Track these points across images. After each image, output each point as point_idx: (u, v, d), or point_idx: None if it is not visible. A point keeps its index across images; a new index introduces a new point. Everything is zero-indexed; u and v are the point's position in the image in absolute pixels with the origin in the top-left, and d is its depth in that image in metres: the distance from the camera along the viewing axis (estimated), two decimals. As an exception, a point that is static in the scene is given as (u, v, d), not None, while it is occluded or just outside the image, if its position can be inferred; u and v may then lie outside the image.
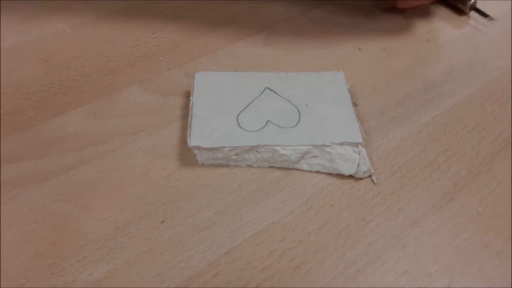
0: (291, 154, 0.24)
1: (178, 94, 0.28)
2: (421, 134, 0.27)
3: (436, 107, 0.28)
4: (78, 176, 0.23)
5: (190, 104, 0.26)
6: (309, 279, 0.20)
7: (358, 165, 0.24)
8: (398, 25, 0.35)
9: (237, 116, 0.25)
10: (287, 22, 0.35)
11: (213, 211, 0.22)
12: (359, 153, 0.24)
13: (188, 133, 0.24)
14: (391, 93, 0.29)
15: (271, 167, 0.24)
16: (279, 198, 0.23)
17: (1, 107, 0.27)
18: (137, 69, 0.30)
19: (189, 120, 0.25)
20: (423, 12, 0.37)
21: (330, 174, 0.24)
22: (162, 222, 0.21)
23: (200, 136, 0.24)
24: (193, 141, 0.23)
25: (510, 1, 0.39)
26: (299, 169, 0.24)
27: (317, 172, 0.24)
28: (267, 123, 0.25)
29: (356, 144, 0.24)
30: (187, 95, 0.28)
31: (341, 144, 0.24)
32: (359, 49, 0.33)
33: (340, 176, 0.24)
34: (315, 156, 0.24)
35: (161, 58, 0.31)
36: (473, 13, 0.37)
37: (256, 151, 0.24)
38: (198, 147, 0.23)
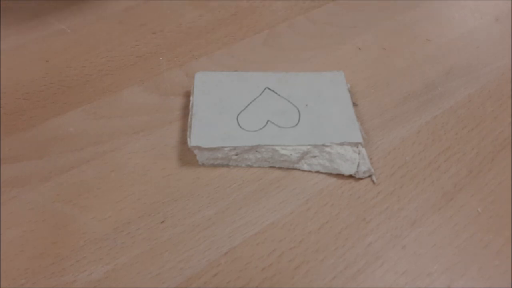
0: (291, 154, 0.24)
1: (178, 94, 0.28)
2: (421, 134, 0.27)
3: (436, 107, 0.28)
4: (78, 176, 0.23)
5: (190, 104, 0.26)
6: (309, 279, 0.20)
7: (358, 165, 0.24)
8: (398, 25, 0.35)
9: (237, 116, 0.25)
10: (287, 22, 0.35)
11: (213, 211, 0.22)
12: (359, 153, 0.24)
13: (188, 133, 0.24)
14: (391, 93, 0.29)
15: (271, 167, 0.24)
16: (279, 198, 0.23)
17: (1, 107, 0.27)
18: (137, 69, 0.30)
19: (189, 120, 0.25)
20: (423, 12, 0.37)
21: (330, 174, 0.24)
22: (162, 222, 0.21)
23: (200, 136, 0.24)
24: (193, 141, 0.23)
25: (510, 1, 0.39)
26: (299, 169, 0.24)
27: (317, 172, 0.24)
28: (267, 123, 0.25)
29: (356, 144, 0.24)
30: (187, 95, 0.28)
31: (341, 144, 0.24)
32: (359, 49, 0.33)
33: (340, 176, 0.24)
34: (315, 156, 0.24)
35: (161, 58, 0.31)
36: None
37: (256, 151, 0.24)
38: (198, 147, 0.23)
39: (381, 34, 0.34)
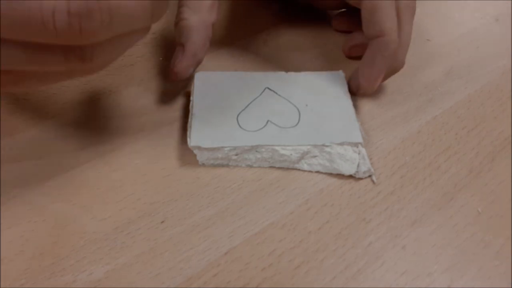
0: (291, 154, 0.24)
1: (178, 94, 0.28)
2: (421, 134, 0.27)
3: (436, 107, 0.28)
4: (78, 176, 0.23)
5: (190, 104, 0.26)
6: (309, 279, 0.20)
7: (358, 165, 0.24)
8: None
9: (237, 116, 0.25)
10: (287, 22, 0.35)
11: (213, 211, 0.22)
12: (359, 153, 0.24)
13: (188, 133, 0.24)
14: (391, 93, 0.29)
15: (271, 167, 0.24)
16: (279, 198, 0.23)
17: (1, 107, 0.27)
18: (137, 69, 0.30)
19: (189, 120, 0.25)
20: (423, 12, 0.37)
21: (330, 174, 0.24)
22: (162, 222, 0.21)
23: (200, 136, 0.24)
24: (193, 141, 0.23)
25: (510, 1, 0.39)
26: (299, 169, 0.24)
27: (317, 172, 0.24)
28: (267, 123, 0.25)
29: (356, 144, 0.24)
30: (187, 95, 0.28)
31: (341, 144, 0.24)
32: (359, 49, 0.33)
33: (340, 176, 0.24)
34: (315, 156, 0.24)
35: (161, 58, 0.31)
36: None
37: (256, 151, 0.24)
38: (198, 147, 0.23)
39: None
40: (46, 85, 0.21)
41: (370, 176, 0.24)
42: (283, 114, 0.26)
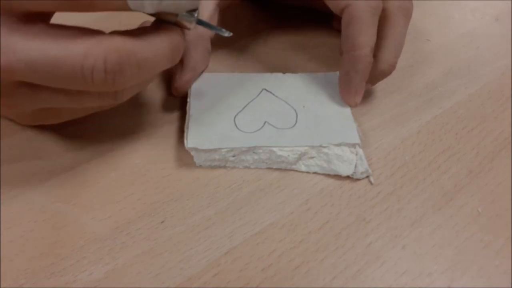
0: (288, 155, 0.24)
1: (178, 94, 0.28)
2: (421, 134, 0.27)
3: (436, 107, 0.28)
4: (78, 176, 0.23)
5: (187, 106, 0.26)
6: (309, 279, 0.20)
7: (355, 166, 0.23)
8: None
9: (234, 118, 0.25)
10: (287, 22, 0.35)
11: (213, 211, 0.22)
12: (356, 154, 0.24)
13: (185, 134, 0.24)
14: (391, 93, 0.29)
15: (268, 168, 0.24)
16: (279, 198, 0.23)
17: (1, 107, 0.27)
18: (137, 69, 0.30)
19: (186, 121, 0.25)
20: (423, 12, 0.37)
21: (329, 174, 0.24)
22: (162, 222, 0.21)
23: (197, 138, 0.23)
24: (189, 143, 0.23)
25: (510, 1, 0.39)
26: (297, 170, 0.24)
27: (315, 173, 0.24)
28: (264, 124, 0.25)
29: (353, 145, 0.24)
30: (187, 95, 0.28)
31: (339, 145, 0.24)
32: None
33: (340, 176, 0.24)
34: (312, 157, 0.24)
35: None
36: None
37: (254, 152, 0.24)
38: (195, 149, 0.23)
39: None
40: (77, 117, 0.23)
41: (367, 177, 0.24)
42: (280, 115, 0.26)
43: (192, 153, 0.23)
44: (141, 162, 0.24)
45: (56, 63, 0.17)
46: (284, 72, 0.29)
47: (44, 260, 0.20)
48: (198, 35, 0.26)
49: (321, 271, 0.20)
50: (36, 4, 0.17)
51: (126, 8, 0.18)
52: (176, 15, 0.19)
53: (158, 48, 0.19)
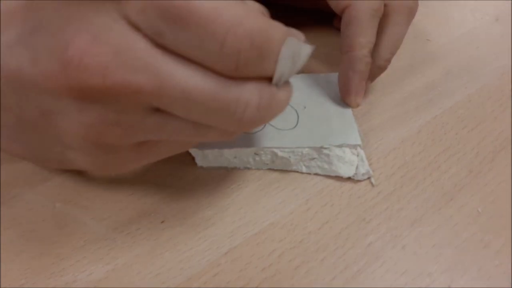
0: (289, 157, 0.24)
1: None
2: (421, 134, 0.27)
3: (436, 107, 0.28)
4: (78, 176, 0.23)
5: None
6: (309, 279, 0.20)
7: (356, 167, 0.23)
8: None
9: None
10: (287, 23, 0.35)
11: (213, 211, 0.22)
12: (357, 155, 0.24)
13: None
14: (391, 93, 0.29)
15: (269, 169, 0.24)
16: (279, 198, 0.23)
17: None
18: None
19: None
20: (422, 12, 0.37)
21: (330, 175, 0.24)
22: (162, 222, 0.21)
23: None
24: None
25: (510, 1, 0.39)
26: (298, 171, 0.24)
27: (316, 174, 0.24)
28: (265, 125, 0.25)
29: (354, 146, 0.24)
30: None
31: (340, 146, 0.24)
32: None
33: (340, 176, 0.24)
34: (313, 158, 0.24)
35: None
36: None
37: (255, 153, 0.24)
38: (196, 150, 0.23)
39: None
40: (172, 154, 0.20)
41: (368, 178, 0.24)
42: (281, 116, 0.25)
43: (193, 153, 0.23)
44: (141, 162, 0.24)
45: (211, 97, 0.15)
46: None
47: (44, 260, 0.20)
48: None
49: (321, 271, 0.20)
50: None
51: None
52: None
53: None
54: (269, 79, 0.16)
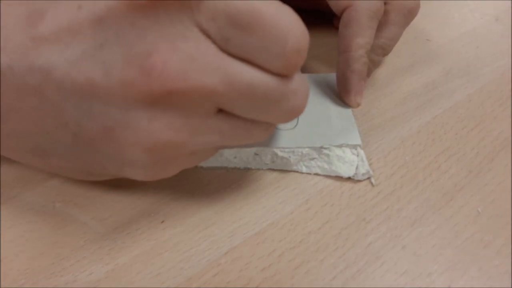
0: (289, 157, 0.24)
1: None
2: (421, 134, 0.27)
3: (436, 107, 0.28)
4: (78, 176, 0.23)
5: None
6: (309, 279, 0.20)
7: (356, 167, 0.23)
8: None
9: None
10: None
11: (213, 211, 0.22)
12: (357, 155, 0.24)
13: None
14: (391, 93, 0.29)
15: (269, 169, 0.24)
16: (279, 198, 0.23)
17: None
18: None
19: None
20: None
21: (330, 175, 0.24)
22: (162, 222, 0.21)
23: None
24: None
25: (510, 1, 0.39)
26: (298, 171, 0.24)
27: (316, 174, 0.24)
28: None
29: (354, 146, 0.24)
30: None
31: (340, 146, 0.24)
32: (359, 49, 0.33)
33: (340, 176, 0.24)
34: (313, 159, 0.24)
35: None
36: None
37: (255, 153, 0.24)
38: None
39: (381, 34, 0.34)
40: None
41: (368, 178, 0.24)
42: None
43: (193, 153, 0.23)
44: (141, 162, 0.24)
45: (272, 91, 0.17)
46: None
47: (44, 260, 0.20)
48: None
49: (321, 271, 0.20)
50: None
51: None
52: None
53: None
54: None
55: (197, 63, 0.15)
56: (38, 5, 0.16)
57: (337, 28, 0.33)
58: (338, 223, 0.22)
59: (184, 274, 0.20)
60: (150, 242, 0.21)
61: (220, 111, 0.17)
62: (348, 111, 0.26)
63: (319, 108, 0.26)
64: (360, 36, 0.26)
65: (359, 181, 0.24)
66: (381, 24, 0.27)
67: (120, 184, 0.23)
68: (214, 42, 0.16)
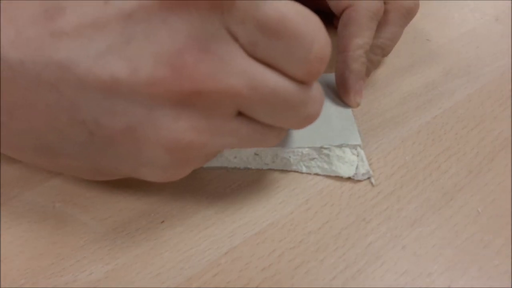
0: (289, 157, 0.24)
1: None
2: (421, 134, 0.27)
3: (436, 107, 0.28)
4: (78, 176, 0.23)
5: None
6: (309, 279, 0.20)
7: (356, 167, 0.23)
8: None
9: None
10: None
11: (213, 211, 0.22)
12: (357, 155, 0.24)
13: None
14: (391, 93, 0.29)
15: (269, 169, 0.24)
16: (279, 198, 0.23)
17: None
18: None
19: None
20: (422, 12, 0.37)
21: (330, 175, 0.24)
22: (162, 222, 0.21)
23: None
24: None
25: (510, 1, 0.39)
26: (297, 171, 0.24)
27: (316, 174, 0.24)
28: None
29: (354, 146, 0.24)
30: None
31: (340, 146, 0.24)
32: (359, 49, 0.33)
33: (340, 176, 0.24)
34: (313, 159, 0.24)
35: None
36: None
37: (255, 153, 0.24)
38: None
39: (381, 34, 0.34)
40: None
41: (368, 178, 0.24)
42: None
43: (193, 153, 0.23)
44: (141, 162, 0.24)
45: (293, 96, 0.17)
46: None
47: (44, 260, 0.20)
48: None
49: (321, 271, 0.20)
50: None
51: None
52: None
53: None
54: None
55: (225, 65, 0.15)
56: (55, 1, 0.15)
57: (337, 28, 0.33)
58: (338, 223, 0.22)
59: (184, 274, 0.20)
60: (150, 242, 0.21)
61: (240, 114, 0.17)
62: (348, 111, 0.26)
63: (319, 108, 0.26)
64: (359, 37, 0.26)
65: (359, 181, 0.24)
66: (380, 24, 0.27)
67: (120, 184, 0.23)
68: (241, 45, 0.16)
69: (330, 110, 0.26)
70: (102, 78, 0.15)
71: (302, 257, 0.20)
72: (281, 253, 0.20)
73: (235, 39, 0.16)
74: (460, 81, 0.31)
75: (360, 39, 0.26)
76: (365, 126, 0.27)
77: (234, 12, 0.15)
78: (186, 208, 0.22)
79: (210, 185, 0.23)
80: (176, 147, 0.17)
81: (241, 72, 0.16)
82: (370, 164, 0.24)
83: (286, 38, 0.16)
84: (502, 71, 0.32)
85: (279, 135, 0.19)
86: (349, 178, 0.24)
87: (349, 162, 0.24)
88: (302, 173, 0.24)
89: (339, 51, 0.26)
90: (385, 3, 0.27)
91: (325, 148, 0.24)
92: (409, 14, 0.28)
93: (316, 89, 0.18)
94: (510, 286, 0.20)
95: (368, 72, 0.28)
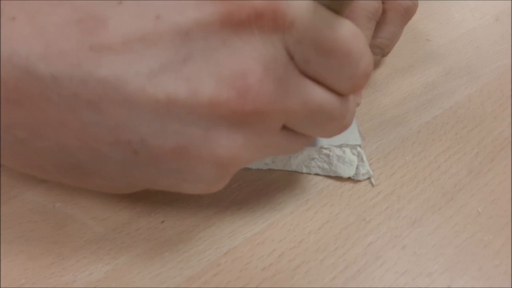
0: (289, 157, 0.24)
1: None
2: (421, 134, 0.27)
3: (436, 107, 0.28)
4: (78, 176, 0.23)
5: None
6: (309, 279, 0.20)
7: (356, 168, 0.23)
8: (398, 25, 0.35)
9: None
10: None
11: (213, 211, 0.22)
12: (357, 155, 0.24)
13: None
14: (391, 93, 0.29)
15: (269, 169, 0.24)
16: (279, 198, 0.23)
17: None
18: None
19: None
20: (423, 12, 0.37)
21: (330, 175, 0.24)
22: (162, 222, 0.21)
23: None
24: None
25: (510, 1, 0.39)
26: (298, 171, 0.24)
27: (316, 174, 0.24)
28: None
29: (354, 146, 0.24)
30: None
31: (340, 146, 0.24)
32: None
33: (340, 176, 0.24)
34: (313, 159, 0.24)
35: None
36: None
37: None
38: None
39: (381, 34, 0.34)
40: None
41: (368, 178, 0.24)
42: None
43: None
44: (141, 162, 0.24)
45: (334, 110, 0.17)
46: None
47: (44, 260, 0.20)
48: None
49: (321, 271, 0.20)
50: None
51: None
52: None
53: None
54: None
55: (284, 85, 0.16)
56: (91, 10, 0.14)
57: None
58: (338, 223, 0.22)
59: (184, 274, 0.20)
60: (150, 242, 0.21)
61: (283, 127, 0.17)
62: (348, 111, 0.26)
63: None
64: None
65: (359, 181, 0.24)
66: (379, 24, 0.27)
67: (120, 184, 0.23)
68: (295, 63, 0.16)
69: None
70: (157, 98, 0.14)
71: (302, 257, 0.20)
72: (281, 253, 0.20)
73: (291, 57, 0.16)
74: (460, 81, 0.31)
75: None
76: (365, 126, 0.27)
77: (294, 32, 0.15)
78: (186, 208, 0.22)
79: (210, 185, 0.23)
80: (227, 164, 0.17)
81: (296, 91, 0.16)
82: (370, 164, 0.24)
83: (338, 57, 0.16)
84: (502, 71, 0.32)
85: (308, 141, 0.20)
86: (349, 178, 0.24)
87: (349, 162, 0.24)
88: (302, 173, 0.24)
89: None
90: (383, 2, 0.27)
91: (325, 148, 0.24)
92: (408, 13, 0.28)
93: (352, 101, 0.18)
94: (510, 286, 0.20)
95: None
